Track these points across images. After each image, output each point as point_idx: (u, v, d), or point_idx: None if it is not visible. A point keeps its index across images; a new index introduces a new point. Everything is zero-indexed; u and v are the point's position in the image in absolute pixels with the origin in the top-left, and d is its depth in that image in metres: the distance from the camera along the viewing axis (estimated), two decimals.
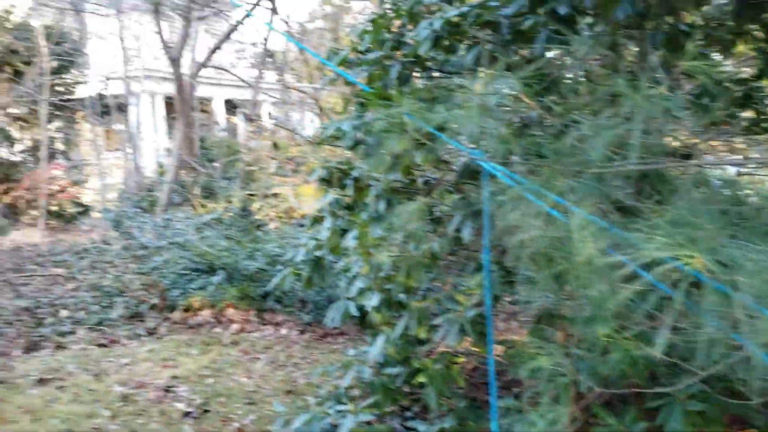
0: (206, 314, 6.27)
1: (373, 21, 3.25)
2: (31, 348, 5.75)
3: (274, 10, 8.43)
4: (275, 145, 10.35)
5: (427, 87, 2.90)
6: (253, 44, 21.05)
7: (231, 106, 19.67)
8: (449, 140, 1.97)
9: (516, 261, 1.76)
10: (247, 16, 8.68)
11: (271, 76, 15.82)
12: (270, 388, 4.49)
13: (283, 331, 5.99)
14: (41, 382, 4.79)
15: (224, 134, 15.09)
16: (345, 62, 3.25)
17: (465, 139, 2.06)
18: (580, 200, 1.55)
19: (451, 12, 2.76)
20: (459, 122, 1.91)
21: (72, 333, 6.12)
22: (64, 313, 6.67)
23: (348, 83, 3.19)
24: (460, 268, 3.11)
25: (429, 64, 3.07)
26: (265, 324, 6.07)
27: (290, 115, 13.08)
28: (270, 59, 8.80)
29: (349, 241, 3.26)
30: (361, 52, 3.24)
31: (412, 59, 3.00)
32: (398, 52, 3.06)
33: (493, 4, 2.65)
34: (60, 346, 5.77)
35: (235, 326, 5.98)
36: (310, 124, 14.28)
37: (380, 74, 3.03)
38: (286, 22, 7.80)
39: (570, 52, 2.29)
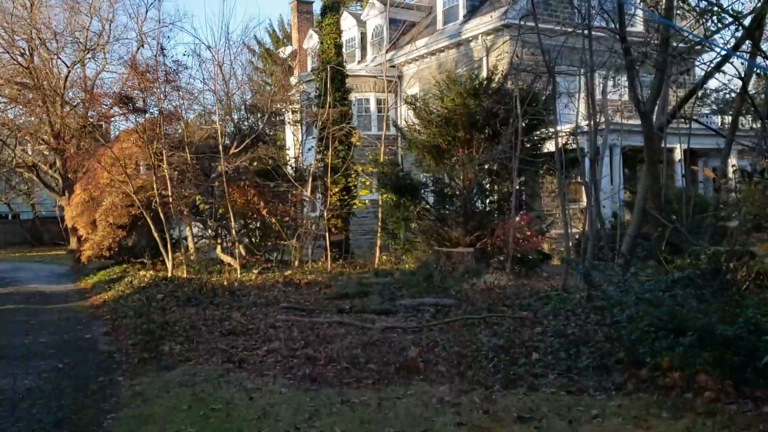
0: (675, 376, 5.98)
1: None
2: (509, 384, 6.30)
3: (756, 53, 7.77)
4: (747, 198, 9.42)
5: None
6: (718, 90, 19.70)
7: (692, 156, 18.75)
8: None
9: None
10: (724, 63, 8.15)
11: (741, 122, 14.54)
12: None
13: (766, 408, 5.33)
14: (520, 419, 5.20)
15: (686, 186, 14.39)
16: None
17: None
18: None
19: None
20: None
21: (543, 376, 6.52)
22: (534, 355, 7.15)
23: None
24: None
25: None
26: (744, 398, 5.50)
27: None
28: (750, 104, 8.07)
29: None
30: None
31: None
32: None
33: None
34: (532, 387, 6.19)
35: (708, 394, 5.56)
36: None
37: None
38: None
39: None
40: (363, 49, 31.27)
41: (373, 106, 26.96)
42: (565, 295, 10.52)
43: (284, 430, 5.17)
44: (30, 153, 30.81)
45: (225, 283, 14.28)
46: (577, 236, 15.20)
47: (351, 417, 5.44)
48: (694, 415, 5.11)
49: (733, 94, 11.97)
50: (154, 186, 15.54)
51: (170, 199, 15.85)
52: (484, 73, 18.22)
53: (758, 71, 7.80)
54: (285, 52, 35.37)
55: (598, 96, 13.54)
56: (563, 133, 16.02)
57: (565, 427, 4.95)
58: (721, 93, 16.59)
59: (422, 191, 16.95)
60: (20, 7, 26.64)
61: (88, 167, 18.14)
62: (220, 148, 16.45)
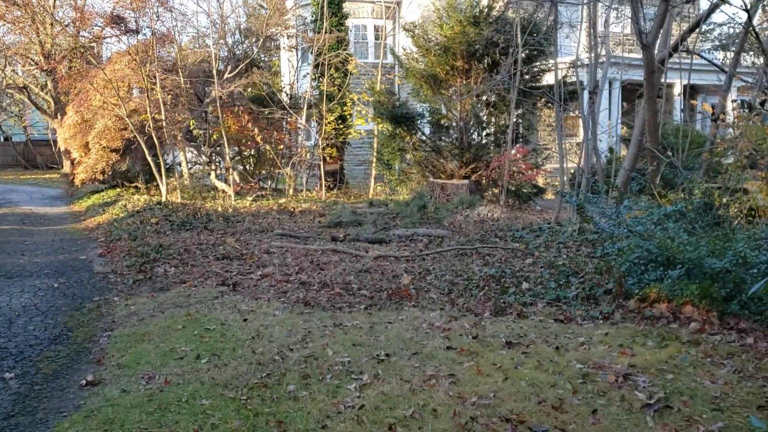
0: (662, 307, 6.10)
1: None
2: (498, 312, 6.42)
3: None
4: (744, 133, 9.38)
5: None
6: (722, 24, 19.34)
7: (692, 92, 18.57)
8: None
9: None
10: None
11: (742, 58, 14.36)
12: (738, 398, 4.16)
13: (749, 339, 5.46)
14: (508, 345, 5.31)
15: (684, 122, 14.33)
16: None
17: None
18: None
19: None
20: None
21: (532, 304, 6.63)
22: (524, 285, 7.25)
23: None
24: None
25: None
26: (728, 329, 5.62)
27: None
28: (755, 38, 7.90)
29: None
30: None
31: None
32: None
33: None
34: (521, 315, 6.30)
35: (693, 325, 5.68)
36: None
37: None
38: None
39: None
40: None
41: (370, 33, 26.39)
42: (558, 228, 10.61)
43: (278, 350, 5.27)
44: (20, 74, 30.23)
45: (219, 209, 14.30)
46: (572, 171, 15.21)
47: (343, 339, 5.54)
48: (679, 344, 5.22)
49: (737, 29, 11.75)
50: (148, 109, 15.34)
51: (164, 124, 15.67)
52: (485, 1, 17.77)
53: (765, 1, 7.61)
54: None
55: (600, 27, 13.28)
56: (563, 65, 15.79)
57: (552, 352, 5.06)
58: (725, 27, 16.29)
59: (419, 122, 16.79)
60: None
61: (80, 89, 17.83)
62: (214, 72, 16.16)
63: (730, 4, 8.60)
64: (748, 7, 7.43)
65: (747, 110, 6.76)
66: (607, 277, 7.07)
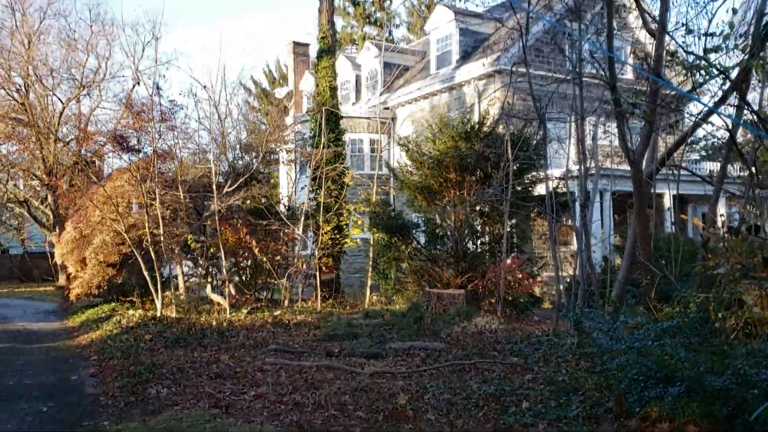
0: (664, 427, 5.96)
1: None
2: None
3: (742, 106, 7.92)
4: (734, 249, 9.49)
5: None
6: (707, 139, 19.98)
7: (682, 202, 18.95)
8: None
9: None
10: (710, 115, 8.32)
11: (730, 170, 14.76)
12: None
13: None
14: None
15: (675, 234, 14.52)
16: None
17: None
18: None
19: None
20: None
21: (533, 425, 6.47)
22: (525, 404, 7.11)
23: None
24: None
25: None
26: None
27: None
28: (735, 153, 8.18)
29: None
30: None
31: None
32: None
33: None
34: None
35: None
36: None
37: None
38: (758, 115, 7.17)
39: None
40: (357, 91, 31.67)
41: (366, 146, 27.18)
42: (556, 341, 10.50)
43: None
44: (22, 188, 30.78)
45: (214, 323, 14.19)
46: (567, 279, 15.24)
47: None
48: None
49: (721, 141, 12.17)
50: (146, 225, 15.52)
51: (161, 238, 15.81)
52: (475, 117, 18.45)
53: (744, 124, 7.93)
54: (281, 92, 35.74)
55: (588, 142, 13.72)
56: (554, 178, 16.17)
57: None
58: (710, 141, 16.85)
59: (414, 231, 17.00)
60: (18, 44, 26.93)
61: (80, 205, 18.10)
62: (214, 187, 16.49)
63: (713, 124, 8.97)
64: (730, 128, 7.75)
65: (734, 234, 6.90)
66: (608, 394, 6.94)
